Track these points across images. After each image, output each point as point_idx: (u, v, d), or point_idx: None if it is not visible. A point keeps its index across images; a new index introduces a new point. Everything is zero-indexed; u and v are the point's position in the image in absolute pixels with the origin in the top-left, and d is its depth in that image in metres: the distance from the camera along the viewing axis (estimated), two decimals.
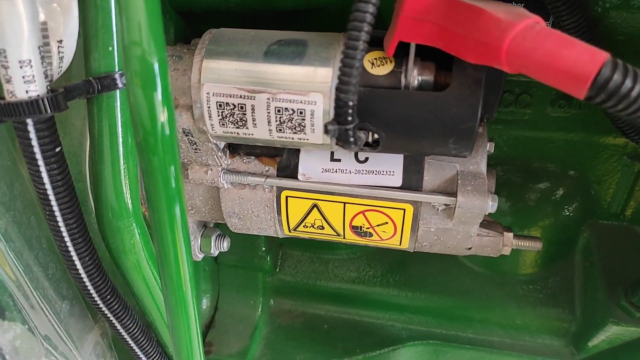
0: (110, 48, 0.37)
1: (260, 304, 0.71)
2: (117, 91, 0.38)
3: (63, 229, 0.39)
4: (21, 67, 0.31)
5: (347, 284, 0.72)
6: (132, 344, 0.50)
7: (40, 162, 0.35)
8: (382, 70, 0.37)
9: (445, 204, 0.43)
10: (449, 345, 0.67)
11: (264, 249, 0.70)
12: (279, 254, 0.73)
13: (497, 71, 0.39)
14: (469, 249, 0.47)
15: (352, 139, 0.34)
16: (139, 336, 0.50)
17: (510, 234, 0.47)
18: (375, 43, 0.37)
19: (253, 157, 0.46)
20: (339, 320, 0.71)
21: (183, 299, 0.41)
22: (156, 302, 0.50)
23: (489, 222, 0.48)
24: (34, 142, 0.34)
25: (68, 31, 0.34)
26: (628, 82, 0.27)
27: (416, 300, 0.70)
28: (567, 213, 0.64)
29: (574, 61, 0.28)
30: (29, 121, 0.33)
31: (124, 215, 0.43)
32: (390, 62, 0.37)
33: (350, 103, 0.32)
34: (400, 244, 0.48)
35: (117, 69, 0.38)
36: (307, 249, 0.72)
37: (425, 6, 0.33)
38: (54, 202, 0.37)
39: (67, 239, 0.39)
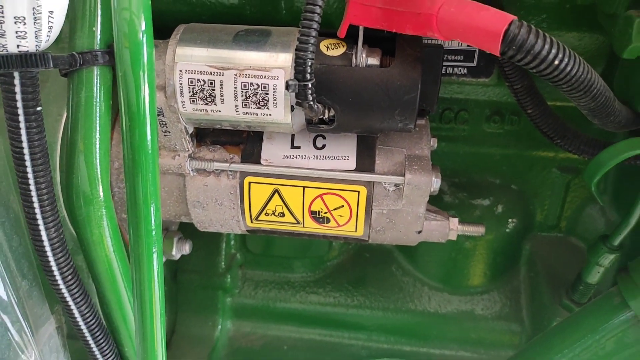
0: (93, 28, 0.42)
1: (220, 324, 0.71)
2: (96, 67, 0.42)
3: (34, 192, 0.40)
4: (15, 22, 0.35)
5: (307, 305, 0.73)
6: (88, 336, 0.49)
7: (21, 119, 0.37)
8: (336, 52, 0.43)
9: (395, 184, 0.48)
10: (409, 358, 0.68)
11: (224, 265, 0.71)
12: (238, 275, 0.73)
13: (435, 68, 0.46)
14: (419, 232, 0.50)
15: (310, 97, 0.39)
16: (96, 328, 0.49)
17: (456, 219, 0.52)
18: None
19: (219, 146, 0.50)
20: (298, 341, 0.71)
21: (150, 281, 0.43)
22: (119, 296, 0.50)
23: (436, 210, 0.53)
24: (18, 97, 0.37)
25: (59, 5, 0.39)
26: (532, 37, 0.34)
27: (374, 319, 0.71)
28: (510, 227, 0.69)
29: (488, 22, 0.34)
30: (16, 74, 0.36)
31: (94, 201, 0.45)
32: (343, 46, 0.43)
33: (308, 62, 0.38)
34: (355, 231, 0.51)
35: (97, 47, 0.42)
36: (267, 269, 0.73)
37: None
38: (28, 163, 0.39)
39: (36, 204, 0.41)
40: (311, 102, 0.40)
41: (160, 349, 0.47)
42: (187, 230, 0.62)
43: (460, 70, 0.58)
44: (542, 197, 0.68)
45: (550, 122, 0.55)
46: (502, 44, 0.34)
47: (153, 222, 0.40)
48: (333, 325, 0.71)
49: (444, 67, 0.59)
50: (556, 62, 0.34)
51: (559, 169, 0.65)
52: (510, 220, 0.69)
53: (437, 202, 0.67)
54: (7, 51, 0.35)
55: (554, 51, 0.34)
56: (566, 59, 0.34)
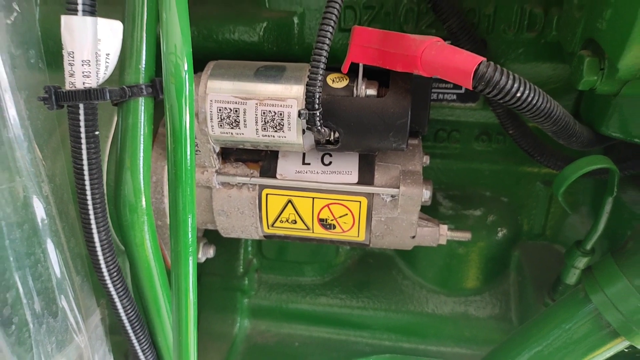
0: (139, 66, 0.50)
1: (238, 322, 0.78)
2: (141, 98, 0.50)
3: (89, 202, 0.48)
4: (82, 64, 0.43)
5: (316, 306, 0.79)
6: (127, 325, 0.56)
7: (83, 141, 0.45)
8: (340, 84, 0.51)
9: (391, 195, 0.55)
10: (407, 357, 0.74)
11: (242, 270, 0.78)
12: (255, 278, 0.81)
13: (424, 97, 0.54)
14: (413, 237, 0.58)
15: (318, 123, 0.47)
16: (134, 319, 0.56)
17: (445, 226, 0.59)
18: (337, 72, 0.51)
19: (241, 163, 0.58)
20: (308, 338, 0.78)
21: (186, 279, 0.50)
22: (155, 292, 0.57)
23: (428, 218, 0.60)
24: (82, 124, 0.45)
25: (114, 49, 0.47)
26: (497, 75, 0.41)
27: (377, 319, 0.78)
28: (500, 236, 0.76)
29: (462, 62, 0.42)
30: (81, 105, 0.44)
31: (138, 210, 0.53)
32: (346, 79, 0.51)
33: (317, 94, 0.45)
34: (358, 236, 0.58)
35: (142, 82, 0.50)
36: (280, 273, 0.81)
37: (368, 37, 0.47)
38: (86, 177, 0.47)
39: (90, 212, 0.48)
40: (319, 127, 0.47)
41: (193, 338, 0.55)
42: (209, 237, 0.70)
43: (450, 97, 0.66)
44: (528, 208, 0.74)
45: (530, 141, 0.62)
46: (473, 80, 0.41)
47: (190, 226, 0.47)
48: (340, 324, 0.78)
49: (436, 94, 0.66)
50: (518, 95, 0.41)
51: (543, 183, 0.72)
52: (500, 229, 0.75)
53: (434, 213, 0.74)
54: (75, 87, 0.44)
55: (516, 85, 0.41)
56: (527, 92, 0.42)
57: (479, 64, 0.41)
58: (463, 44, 0.57)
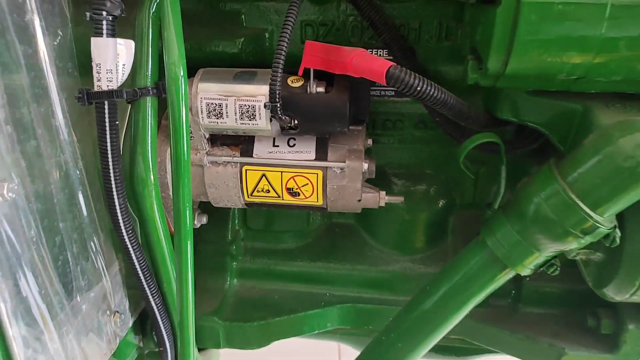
0: (147, 73, 0.66)
1: (228, 281, 0.94)
2: (149, 97, 0.66)
3: (112, 176, 0.63)
4: (107, 72, 0.59)
5: (292, 267, 0.95)
6: (140, 275, 0.72)
7: (107, 129, 0.61)
8: (297, 84, 0.67)
9: (340, 168, 0.71)
10: (366, 305, 0.90)
11: (230, 238, 0.94)
12: (241, 245, 0.96)
13: (365, 92, 0.70)
14: (359, 200, 0.74)
15: (279, 112, 0.63)
16: (145, 271, 0.72)
17: (384, 192, 0.75)
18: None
19: (225, 146, 0.74)
20: (286, 292, 0.94)
21: (185, 239, 0.66)
22: (162, 248, 0.73)
23: (370, 186, 0.76)
24: (106, 116, 0.61)
25: (128, 60, 0.63)
26: (402, 74, 0.57)
27: (343, 276, 0.94)
28: (440, 206, 0.92)
29: (378, 66, 0.58)
30: (106, 103, 0.60)
31: (148, 184, 0.69)
32: (302, 80, 0.67)
33: (277, 91, 0.61)
34: (317, 201, 0.74)
35: (149, 85, 0.66)
36: (262, 241, 0.96)
37: (316, 49, 0.64)
38: (109, 156, 0.63)
39: (112, 183, 0.64)
40: (280, 116, 0.64)
41: (191, 287, 0.70)
42: (203, 209, 0.85)
43: (389, 93, 0.82)
44: (460, 183, 0.90)
45: (453, 127, 0.79)
46: (386, 78, 0.58)
47: (186, 196, 0.63)
48: (311, 281, 0.93)
49: (379, 91, 0.82)
50: (418, 88, 0.57)
51: (471, 161, 0.88)
52: (440, 200, 0.92)
53: (388, 188, 0.89)
54: (101, 89, 0.60)
55: (416, 81, 0.57)
56: (425, 86, 0.58)
57: (389, 68, 0.57)
58: (395, 53, 0.74)
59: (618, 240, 0.59)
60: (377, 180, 0.84)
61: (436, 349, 1.01)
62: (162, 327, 0.78)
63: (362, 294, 0.92)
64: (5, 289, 0.50)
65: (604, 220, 0.56)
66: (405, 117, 0.86)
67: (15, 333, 0.51)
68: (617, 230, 0.59)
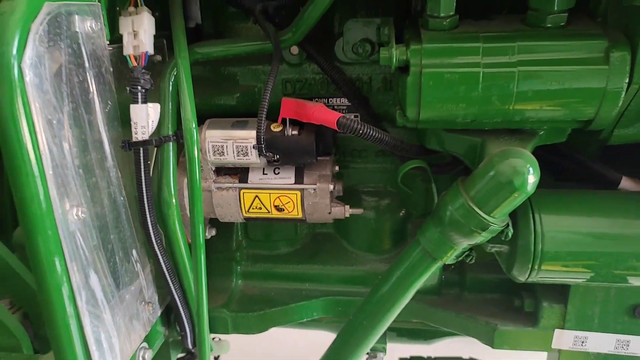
0: (168, 125, 0.90)
1: (234, 282, 1.17)
2: (171, 142, 0.90)
3: (145, 200, 0.87)
4: (141, 128, 0.83)
5: (285, 269, 1.18)
6: (167, 275, 0.95)
7: (142, 167, 0.85)
8: (277, 129, 0.91)
9: (313, 189, 0.94)
10: (344, 297, 1.12)
11: (235, 247, 1.17)
12: (244, 253, 1.20)
13: (330, 134, 0.94)
14: (330, 213, 0.97)
15: (264, 151, 0.87)
16: (170, 272, 0.95)
17: (348, 206, 0.98)
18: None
19: (227, 175, 0.98)
20: (281, 290, 1.16)
21: (199, 247, 0.90)
22: (182, 255, 0.96)
23: (338, 202, 0.99)
24: (141, 159, 0.85)
25: (156, 118, 0.87)
26: (348, 122, 0.81)
27: (326, 275, 1.16)
28: (400, 215, 1.14)
29: (331, 117, 0.82)
30: (141, 149, 0.84)
31: (171, 206, 0.92)
32: (281, 126, 0.91)
33: (262, 135, 0.85)
34: (298, 214, 0.98)
35: (171, 133, 0.90)
36: (261, 248, 1.19)
37: (290, 104, 0.88)
38: (144, 186, 0.86)
39: (145, 206, 0.88)
40: (265, 153, 0.87)
41: (204, 284, 0.93)
42: (213, 224, 1.09)
43: None
44: (414, 197, 1.12)
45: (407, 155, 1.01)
46: (337, 126, 0.81)
47: (199, 214, 0.87)
48: (301, 279, 1.16)
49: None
50: (360, 131, 0.81)
51: (421, 180, 1.10)
52: (400, 211, 1.14)
53: (359, 203, 1.12)
54: (137, 139, 0.84)
55: (358, 126, 0.81)
56: (366, 129, 0.81)
57: (338, 118, 0.81)
58: (352, 101, 0.97)
59: (510, 234, 0.81)
60: (350, 197, 1.08)
61: (407, 334, 1.23)
62: (183, 316, 1.01)
63: (341, 288, 1.15)
64: (80, 281, 0.73)
65: (497, 221, 0.78)
66: (368, 148, 1.09)
67: (84, 310, 0.75)
68: (510, 227, 0.81)
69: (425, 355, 1.24)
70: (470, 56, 0.74)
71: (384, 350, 1.20)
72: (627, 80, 0.72)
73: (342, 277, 1.15)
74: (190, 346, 1.05)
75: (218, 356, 1.42)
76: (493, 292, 1.09)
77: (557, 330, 0.98)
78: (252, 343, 1.31)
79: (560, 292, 0.98)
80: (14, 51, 0.62)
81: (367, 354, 1.22)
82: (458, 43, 0.75)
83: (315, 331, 1.31)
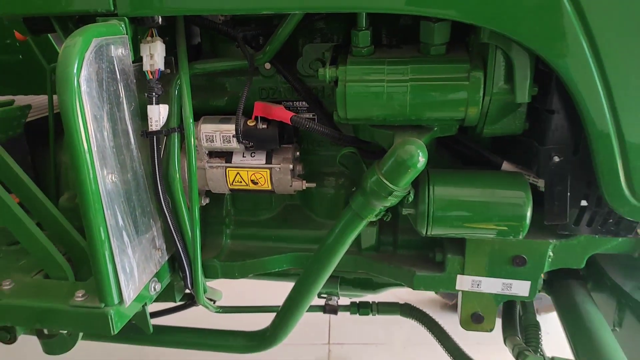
0: (174, 120, 1.25)
1: (223, 241, 1.52)
2: (176, 133, 1.25)
3: (157, 174, 1.22)
4: (155, 122, 1.18)
5: (262, 231, 1.52)
6: (173, 230, 1.30)
7: (155, 150, 1.20)
8: (252, 124, 1.24)
9: (278, 168, 1.29)
10: (307, 253, 1.46)
11: (224, 215, 1.52)
12: (232, 220, 1.54)
13: (288, 127, 1.28)
14: (291, 186, 1.31)
15: (240, 139, 1.21)
16: (175, 229, 1.30)
17: (304, 181, 1.32)
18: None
19: (217, 157, 1.32)
20: (259, 247, 1.50)
21: (195, 209, 1.25)
22: (183, 216, 1.31)
23: (297, 178, 1.33)
24: (155, 144, 1.19)
25: (165, 114, 1.21)
26: (298, 119, 1.15)
27: (294, 236, 1.50)
28: (352, 190, 1.47)
29: (286, 115, 1.16)
30: (155, 137, 1.19)
31: (175, 179, 1.27)
32: (254, 121, 1.25)
33: (240, 129, 1.20)
34: (269, 187, 1.32)
35: (176, 126, 1.25)
36: (244, 216, 1.54)
37: (261, 106, 1.22)
38: (156, 163, 1.21)
39: (157, 178, 1.22)
40: (242, 141, 1.22)
41: (199, 237, 1.28)
42: (207, 195, 1.44)
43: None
44: (358, 175, 1.45)
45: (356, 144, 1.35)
46: (291, 122, 1.16)
47: (195, 186, 1.22)
48: (274, 239, 1.49)
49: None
50: (306, 126, 1.15)
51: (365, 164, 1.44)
52: (352, 187, 1.48)
53: (322, 180, 1.45)
54: (152, 130, 1.18)
55: (305, 122, 1.15)
56: (310, 125, 1.15)
57: (291, 117, 1.15)
58: (310, 103, 1.31)
59: (410, 199, 1.14)
60: (314, 176, 1.41)
61: (357, 284, 1.57)
62: (184, 262, 1.35)
63: (305, 246, 1.48)
64: (112, 225, 1.08)
65: (400, 190, 1.11)
66: (324, 139, 1.43)
67: (115, 246, 1.09)
68: (410, 194, 1.15)
69: (370, 301, 1.58)
70: (378, 75, 1.08)
71: (337, 294, 1.54)
72: (482, 93, 1.05)
73: (306, 238, 1.49)
74: (189, 286, 1.40)
75: (214, 301, 1.77)
76: (416, 249, 1.43)
77: (459, 276, 1.32)
78: (238, 292, 1.66)
79: (460, 247, 1.31)
80: (75, 70, 0.97)
81: (324, 297, 1.57)
82: (370, 65, 1.09)
83: (289, 283, 1.65)
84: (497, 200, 1.13)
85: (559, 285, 1.46)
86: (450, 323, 1.72)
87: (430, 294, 3.05)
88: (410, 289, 1.39)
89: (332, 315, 3.33)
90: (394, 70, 1.08)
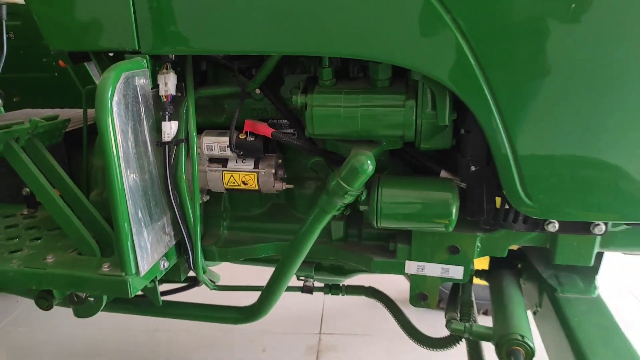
0: (182, 133, 1.58)
1: (221, 231, 1.85)
2: (183, 143, 1.58)
3: (167, 174, 1.56)
4: (167, 134, 1.52)
5: (253, 224, 1.84)
6: (179, 220, 1.63)
7: (167, 156, 1.53)
8: (242, 137, 1.58)
9: (263, 172, 1.62)
10: (288, 242, 1.78)
11: (222, 211, 1.85)
12: (228, 214, 1.87)
13: (272, 140, 1.62)
14: (274, 186, 1.64)
15: (234, 148, 1.54)
16: (182, 218, 1.64)
17: (284, 183, 1.64)
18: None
19: (215, 163, 1.66)
20: (251, 236, 1.82)
21: (197, 203, 1.58)
22: (188, 209, 1.64)
23: (279, 180, 1.66)
24: (167, 151, 1.52)
25: (175, 128, 1.55)
26: (278, 134, 1.48)
27: (279, 229, 1.82)
28: None
29: (268, 131, 1.49)
30: (167, 145, 1.52)
31: (182, 179, 1.61)
32: (245, 135, 1.58)
33: (233, 140, 1.53)
34: (256, 187, 1.65)
35: (182, 137, 1.59)
36: (239, 212, 1.87)
37: (250, 123, 1.55)
38: (167, 167, 1.55)
39: (167, 177, 1.56)
40: (234, 150, 1.55)
41: (199, 225, 1.62)
42: (208, 193, 1.77)
43: (295, 141, 1.72)
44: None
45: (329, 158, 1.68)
46: (271, 136, 1.49)
47: (197, 185, 1.55)
48: (262, 231, 1.82)
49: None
50: (283, 140, 1.48)
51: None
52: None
53: (302, 183, 1.78)
54: (165, 140, 1.52)
55: (282, 137, 1.48)
56: (286, 138, 1.49)
57: (272, 132, 1.49)
58: (290, 121, 1.64)
59: (363, 197, 1.46)
60: (296, 179, 1.74)
61: (329, 270, 1.89)
62: (188, 246, 1.69)
63: (288, 237, 1.80)
64: (132, 213, 1.41)
65: (354, 190, 1.43)
66: (303, 153, 1.75)
67: (134, 229, 1.43)
68: (363, 194, 1.46)
69: (341, 284, 1.89)
70: (337, 102, 1.40)
71: (313, 277, 1.86)
72: (414, 117, 1.37)
73: (289, 230, 1.80)
74: (191, 266, 1.73)
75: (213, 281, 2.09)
76: (375, 240, 1.74)
77: (407, 261, 1.62)
78: (232, 277, 1.99)
79: (408, 238, 1.62)
80: (109, 96, 1.31)
81: (302, 279, 1.89)
82: (331, 94, 1.41)
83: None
84: (430, 200, 1.44)
85: (495, 274, 1.75)
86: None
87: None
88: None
89: (325, 308, 3.67)
90: (349, 98, 1.40)
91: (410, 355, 2.91)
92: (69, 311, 1.72)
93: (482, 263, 1.91)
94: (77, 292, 1.59)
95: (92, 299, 1.67)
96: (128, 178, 1.39)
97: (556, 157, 1.25)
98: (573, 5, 1.12)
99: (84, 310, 1.68)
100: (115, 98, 1.33)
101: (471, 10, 1.15)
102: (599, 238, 1.49)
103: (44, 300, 1.72)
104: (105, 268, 1.48)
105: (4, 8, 2.52)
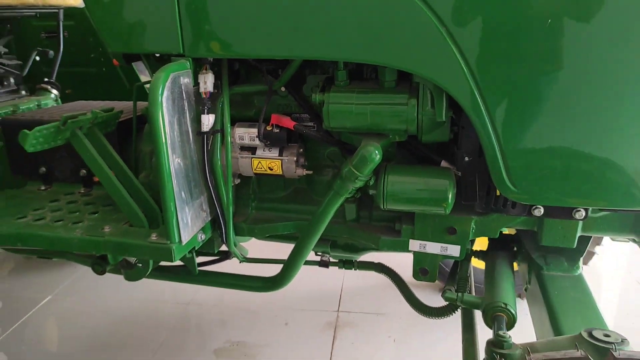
0: (218, 124, 1.84)
1: (250, 211, 2.11)
2: (219, 134, 1.84)
3: (205, 160, 1.82)
4: (205, 125, 1.78)
5: (278, 205, 2.10)
6: (214, 200, 1.90)
7: (204, 144, 1.79)
8: (269, 129, 1.83)
9: (287, 159, 1.86)
10: (308, 221, 2.03)
11: (251, 193, 2.10)
12: (257, 196, 2.13)
13: (294, 131, 1.86)
14: (295, 172, 1.88)
15: (262, 140, 1.79)
16: (217, 198, 1.90)
17: (305, 169, 1.89)
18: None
19: (246, 151, 1.91)
20: (276, 215, 2.07)
21: (230, 185, 1.85)
22: (222, 190, 1.91)
23: (301, 167, 1.90)
24: (204, 140, 1.78)
25: (212, 121, 1.81)
26: (300, 127, 1.72)
27: (301, 209, 2.08)
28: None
29: (291, 124, 1.73)
30: (205, 135, 1.78)
31: (218, 164, 1.87)
32: (271, 126, 1.83)
33: (261, 132, 1.78)
34: (280, 172, 1.90)
35: (218, 128, 1.84)
36: (265, 195, 2.12)
37: (276, 117, 1.80)
38: (205, 152, 1.81)
39: (205, 162, 1.82)
40: (262, 140, 1.80)
41: (231, 205, 1.88)
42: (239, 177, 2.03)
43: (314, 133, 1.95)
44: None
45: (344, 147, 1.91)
46: (294, 128, 1.73)
47: (230, 169, 1.81)
48: (286, 211, 2.05)
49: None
50: (304, 132, 1.72)
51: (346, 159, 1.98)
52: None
53: (321, 171, 2.02)
54: (204, 131, 1.78)
55: (302, 129, 1.72)
56: (306, 130, 1.73)
57: (294, 125, 1.73)
58: (312, 116, 1.88)
59: (371, 182, 1.69)
60: (315, 167, 1.98)
61: (343, 247, 2.14)
62: (221, 222, 1.95)
63: (307, 217, 2.05)
64: (177, 192, 1.68)
65: (364, 176, 1.66)
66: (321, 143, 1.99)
67: (178, 206, 1.70)
68: (372, 179, 1.69)
69: (354, 260, 2.13)
70: (350, 100, 1.63)
71: (329, 253, 2.11)
72: (416, 113, 1.59)
73: (308, 211, 2.05)
74: (224, 240, 1.99)
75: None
76: (384, 221, 1.96)
77: (411, 240, 1.85)
78: (258, 251, 2.26)
79: (412, 219, 1.84)
80: (160, 92, 1.58)
81: (319, 254, 2.14)
82: (345, 93, 1.64)
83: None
84: (429, 186, 1.66)
85: (490, 254, 1.96)
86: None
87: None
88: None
89: (344, 287, 3.95)
90: (360, 97, 1.63)
91: (421, 334, 3.14)
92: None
93: (481, 245, 2.12)
94: (129, 257, 1.88)
95: (140, 265, 1.96)
96: (174, 162, 1.66)
97: (537, 150, 1.44)
98: (550, 20, 1.31)
99: (133, 274, 1.97)
100: (165, 94, 1.59)
101: (464, 25, 1.36)
102: (580, 223, 1.68)
103: (99, 266, 2.03)
104: (154, 237, 1.75)
105: (62, 12, 2.83)
